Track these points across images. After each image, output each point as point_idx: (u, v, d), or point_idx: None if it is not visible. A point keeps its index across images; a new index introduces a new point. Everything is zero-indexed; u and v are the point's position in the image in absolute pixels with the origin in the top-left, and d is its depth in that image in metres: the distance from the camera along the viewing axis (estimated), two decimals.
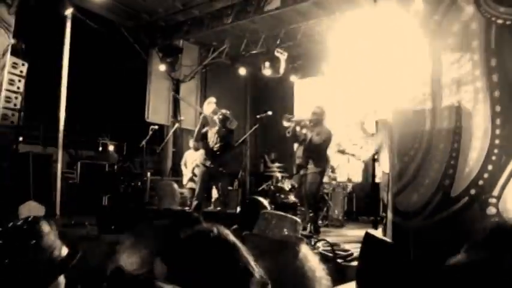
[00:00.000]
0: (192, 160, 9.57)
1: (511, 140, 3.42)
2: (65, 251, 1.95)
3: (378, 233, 6.00)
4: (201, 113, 7.71)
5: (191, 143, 9.91)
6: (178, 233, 1.52)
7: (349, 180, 10.03)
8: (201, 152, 8.43)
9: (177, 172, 10.75)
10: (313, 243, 5.29)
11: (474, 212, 3.54)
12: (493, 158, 3.48)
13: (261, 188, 10.30)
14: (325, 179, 8.54)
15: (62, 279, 1.85)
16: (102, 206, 8.42)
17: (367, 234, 3.79)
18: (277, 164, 10.30)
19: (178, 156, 10.91)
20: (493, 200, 3.45)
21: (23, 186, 7.33)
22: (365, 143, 11.41)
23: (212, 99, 7.30)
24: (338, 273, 4.31)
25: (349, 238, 6.59)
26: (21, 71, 7.42)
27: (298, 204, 7.64)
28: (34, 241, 1.88)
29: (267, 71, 10.26)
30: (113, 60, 10.19)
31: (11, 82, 7.29)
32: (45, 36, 8.72)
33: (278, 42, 10.32)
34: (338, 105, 11.91)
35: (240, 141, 8.78)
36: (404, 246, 3.68)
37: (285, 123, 7.03)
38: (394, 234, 4.12)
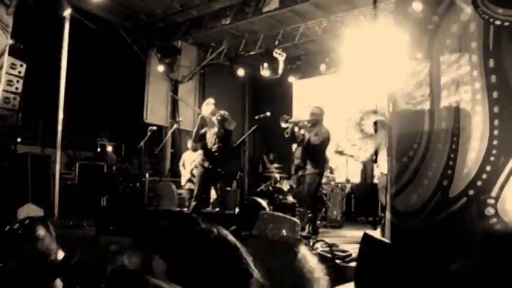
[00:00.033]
0: (191, 161, 9.57)
1: (510, 140, 3.43)
2: (61, 254, 1.95)
3: (377, 233, 6.01)
4: (199, 114, 7.70)
5: (189, 143, 9.90)
6: (178, 234, 1.52)
7: (348, 181, 10.04)
8: (200, 152, 8.43)
9: (175, 173, 10.75)
10: (311, 243, 5.29)
11: (472, 212, 3.55)
12: (492, 158, 3.49)
13: (259, 189, 10.30)
14: (324, 180, 8.54)
15: (58, 282, 1.85)
16: (100, 207, 8.42)
17: (365, 234, 3.79)
18: (275, 165, 10.30)
19: (176, 157, 10.91)
20: (492, 201, 3.46)
21: (21, 187, 7.32)
22: (363, 144, 11.44)
23: (211, 100, 7.30)
24: (336, 273, 4.31)
25: (348, 239, 6.59)
26: (19, 72, 7.41)
27: (297, 205, 7.64)
28: (28, 246, 1.88)
29: (265, 72, 10.26)
30: (111, 61, 10.18)
31: (9, 83, 7.28)
32: (43, 37, 8.70)
33: (277, 43, 10.33)
34: (337, 106, 11.92)
35: (238, 142, 8.77)
36: (403, 247, 3.68)
37: (283, 125, 7.01)
38: (393, 234, 4.12)
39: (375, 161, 7.92)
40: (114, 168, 9.61)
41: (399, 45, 4.27)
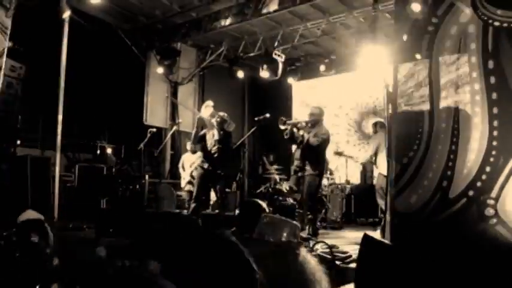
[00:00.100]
0: (190, 163, 9.58)
1: (509, 141, 3.44)
2: (56, 260, 1.96)
3: (377, 234, 6.02)
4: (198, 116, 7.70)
5: (188, 145, 9.91)
6: (177, 236, 1.52)
7: (348, 182, 10.04)
8: (199, 154, 8.43)
9: (175, 175, 10.75)
10: (311, 245, 5.28)
11: (472, 213, 3.56)
12: (491, 159, 3.50)
13: (259, 190, 10.30)
14: (324, 181, 8.54)
15: (55, 286, 1.86)
16: (100, 209, 8.41)
17: (365, 235, 3.79)
18: (275, 166, 10.31)
19: (176, 159, 10.92)
20: (491, 201, 3.47)
21: (21, 190, 7.31)
22: (363, 145, 11.45)
23: (210, 103, 7.30)
24: (337, 275, 4.31)
25: (348, 240, 6.59)
26: (19, 74, 7.41)
27: (297, 206, 7.63)
28: (22, 252, 1.89)
29: (264, 73, 10.26)
30: (111, 63, 10.17)
31: (9, 85, 7.28)
32: (42, 39, 8.70)
33: (276, 44, 10.33)
34: (336, 107, 11.95)
35: (238, 143, 8.78)
36: (403, 248, 3.68)
37: (281, 127, 6.99)
38: (393, 235, 4.13)
39: (374, 162, 7.92)
40: (113, 170, 9.60)
41: (398, 46, 4.28)
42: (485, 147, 3.53)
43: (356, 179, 10.67)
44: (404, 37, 4.19)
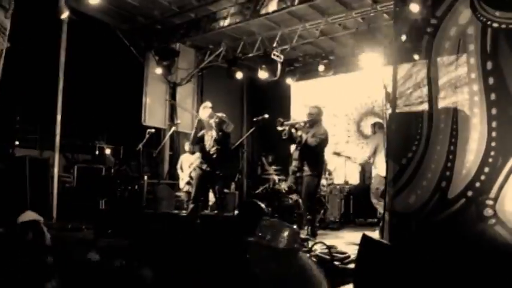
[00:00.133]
0: (189, 163, 9.58)
1: (508, 142, 3.45)
2: (50, 258, 1.97)
3: (375, 234, 6.02)
4: (197, 117, 7.69)
5: (187, 146, 9.91)
6: (175, 237, 1.53)
7: (346, 182, 10.04)
8: (198, 155, 8.43)
9: (173, 175, 10.74)
10: (310, 245, 5.29)
11: (471, 213, 3.56)
12: (490, 160, 3.51)
13: (258, 191, 10.30)
14: (322, 182, 8.54)
15: (49, 285, 1.87)
16: (99, 210, 8.40)
17: (364, 236, 3.80)
18: (274, 167, 10.31)
19: (175, 159, 10.91)
20: (490, 202, 3.48)
21: (19, 191, 7.31)
22: (361, 146, 11.46)
23: (208, 104, 7.29)
24: (336, 275, 4.31)
25: (346, 240, 6.59)
26: None
27: (296, 208, 7.63)
28: (19, 250, 1.90)
29: (263, 74, 10.26)
30: (109, 63, 10.16)
31: None
32: (41, 39, 8.70)
33: (275, 45, 10.33)
34: (335, 107, 11.95)
35: (236, 144, 8.77)
36: (401, 248, 3.69)
37: (279, 128, 6.98)
38: (392, 236, 4.13)
39: (372, 163, 7.93)
40: (112, 170, 9.59)
41: (397, 47, 4.29)
42: (484, 148, 3.54)
43: (355, 180, 10.66)
44: (403, 38, 4.20)
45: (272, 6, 8.79)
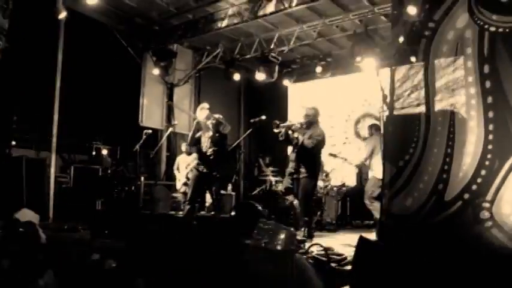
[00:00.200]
0: (185, 164, 9.57)
1: (504, 145, 3.47)
2: (43, 256, 1.99)
3: (372, 236, 6.02)
4: (194, 119, 7.69)
5: (183, 147, 9.91)
6: (172, 238, 1.54)
7: (343, 184, 10.04)
8: (194, 156, 8.42)
9: (170, 176, 10.73)
10: (307, 247, 5.29)
11: (468, 216, 3.58)
12: (487, 162, 3.52)
13: (255, 192, 10.30)
14: (319, 183, 8.54)
15: (41, 282, 1.88)
16: (95, 211, 8.39)
17: (361, 238, 3.80)
18: (271, 168, 10.30)
19: (172, 160, 10.90)
20: (487, 204, 3.49)
21: (16, 191, 7.29)
22: (358, 148, 11.47)
23: (205, 105, 7.29)
24: (332, 277, 4.32)
25: (343, 242, 6.59)
26: None
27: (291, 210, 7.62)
28: (15, 247, 1.91)
29: (260, 75, 10.27)
30: (107, 64, 10.15)
31: None
32: (38, 39, 8.68)
33: (272, 46, 10.34)
34: (332, 109, 11.97)
35: (234, 145, 8.78)
36: (398, 250, 3.69)
37: (275, 130, 6.98)
38: (388, 237, 4.14)
39: (368, 165, 7.94)
40: (109, 171, 9.58)
41: (395, 49, 4.30)
42: (480, 151, 3.56)
43: (352, 181, 10.68)
44: (401, 40, 4.21)
45: (270, 8, 8.81)
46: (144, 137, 8.39)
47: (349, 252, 4.87)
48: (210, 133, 7.09)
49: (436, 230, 3.73)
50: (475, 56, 3.60)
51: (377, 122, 8.82)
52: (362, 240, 3.77)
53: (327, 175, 9.60)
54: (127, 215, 6.77)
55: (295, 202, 7.19)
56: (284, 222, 4.56)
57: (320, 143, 6.86)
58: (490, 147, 3.52)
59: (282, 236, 2.21)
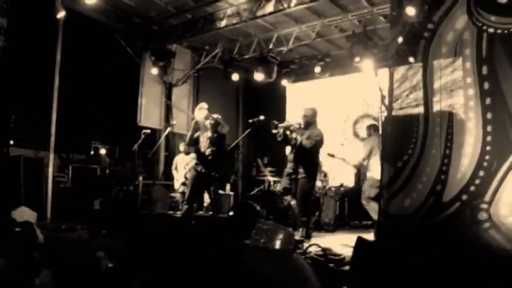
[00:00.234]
0: (184, 164, 9.57)
1: (502, 146, 3.47)
2: (40, 255, 1.99)
3: (370, 237, 6.03)
4: (193, 119, 7.69)
5: (182, 147, 9.91)
6: (170, 237, 1.54)
7: (341, 184, 10.05)
8: (193, 155, 8.42)
9: (169, 176, 10.73)
10: (305, 247, 5.29)
11: (466, 217, 3.58)
12: (485, 164, 3.53)
13: (253, 192, 10.30)
14: (317, 183, 8.53)
15: (37, 281, 1.88)
16: (93, 210, 8.38)
17: (359, 238, 3.81)
18: (269, 168, 10.30)
19: (170, 160, 10.89)
20: (485, 206, 3.50)
21: (14, 190, 7.28)
22: (357, 148, 11.47)
23: (204, 105, 7.29)
24: (330, 277, 4.32)
25: (341, 243, 6.59)
26: None
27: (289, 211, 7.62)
28: (11, 246, 1.91)
29: (259, 76, 10.26)
30: (105, 63, 10.14)
31: None
32: (37, 39, 8.67)
33: (271, 46, 10.34)
34: (330, 109, 11.96)
35: (232, 145, 8.77)
36: (396, 251, 3.70)
37: (273, 131, 6.98)
38: (386, 238, 4.14)
39: (366, 165, 7.93)
40: (107, 171, 9.57)
41: (393, 50, 4.30)
42: (479, 152, 3.57)
43: (350, 182, 10.68)
44: (400, 41, 4.22)
45: (269, 8, 8.81)
46: (142, 136, 8.39)
47: (347, 253, 4.87)
48: (209, 133, 7.08)
49: (434, 231, 3.74)
50: (473, 57, 3.61)
51: (375, 123, 8.80)
52: (360, 241, 3.77)
53: (325, 175, 9.60)
54: (125, 215, 6.77)
55: (293, 202, 7.20)
56: (282, 223, 4.57)
57: (318, 143, 6.86)
58: (488, 148, 3.53)
59: (280, 236, 2.21)
